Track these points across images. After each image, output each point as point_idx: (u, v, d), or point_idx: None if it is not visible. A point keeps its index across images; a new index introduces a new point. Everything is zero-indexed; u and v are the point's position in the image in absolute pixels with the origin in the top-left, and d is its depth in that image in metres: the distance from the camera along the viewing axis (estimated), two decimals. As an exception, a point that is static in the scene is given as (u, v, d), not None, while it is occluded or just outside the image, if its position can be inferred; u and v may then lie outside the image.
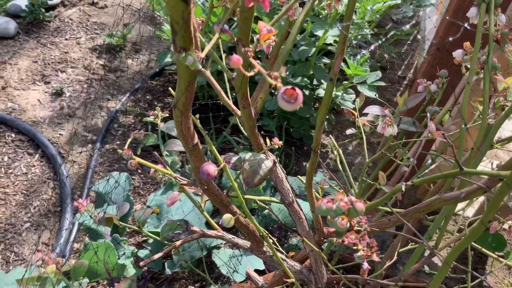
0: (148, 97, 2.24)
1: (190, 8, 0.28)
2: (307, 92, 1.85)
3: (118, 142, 2.00)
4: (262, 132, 2.12)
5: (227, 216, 0.47)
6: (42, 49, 2.40)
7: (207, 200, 0.64)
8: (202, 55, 0.32)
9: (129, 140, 0.60)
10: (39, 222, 1.63)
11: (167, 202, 0.62)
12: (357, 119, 0.81)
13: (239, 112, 0.54)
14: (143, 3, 2.88)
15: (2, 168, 1.79)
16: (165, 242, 0.64)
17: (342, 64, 1.79)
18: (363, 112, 0.74)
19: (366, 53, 1.81)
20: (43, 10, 2.55)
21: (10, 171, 1.79)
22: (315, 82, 1.86)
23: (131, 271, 1.22)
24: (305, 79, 1.83)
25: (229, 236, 0.67)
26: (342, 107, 2.04)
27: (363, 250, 0.33)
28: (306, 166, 1.99)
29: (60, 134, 1.97)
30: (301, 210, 0.64)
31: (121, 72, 2.36)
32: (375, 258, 0.33)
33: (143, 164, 0.54)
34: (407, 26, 2.66)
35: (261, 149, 0.54)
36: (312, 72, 1.85)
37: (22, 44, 2.41)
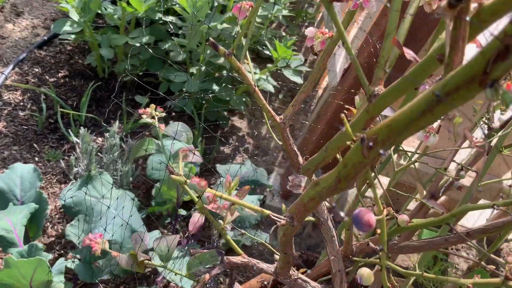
0: (37, 69, 1.92)
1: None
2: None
3: (4, 124, 1.68)
4: (173, 114, 1.97)
5: (368, 273, 0.38)
6: None
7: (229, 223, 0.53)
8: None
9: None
10: None
11: (190, 227, 0.50)
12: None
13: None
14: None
15: None
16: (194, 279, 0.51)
17: (270, 47, 1.74)
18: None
19: (292, 37, 1.77)
20: None
21: None
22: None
23: (58, 286, 1.04)
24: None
25: (255, 261, 0.57)
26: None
27: None
28: (224, 150, 1.91)
29: None
30: (334, 228, 0.58)
31: (1, 38, 1.98)
32: None
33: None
34: (311, 9, 2.70)
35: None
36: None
37: None
